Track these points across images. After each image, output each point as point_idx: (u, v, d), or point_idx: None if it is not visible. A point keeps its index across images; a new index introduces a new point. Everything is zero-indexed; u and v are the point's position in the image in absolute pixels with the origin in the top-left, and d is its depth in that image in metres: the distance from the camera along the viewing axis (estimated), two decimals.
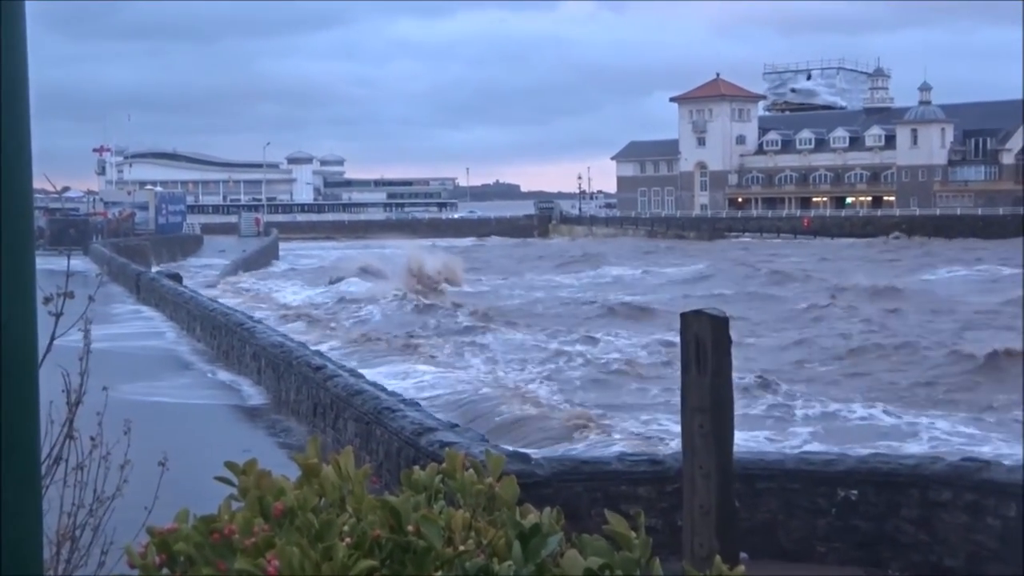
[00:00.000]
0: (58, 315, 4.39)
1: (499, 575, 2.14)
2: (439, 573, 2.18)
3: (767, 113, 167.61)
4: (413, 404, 16.39)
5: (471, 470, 2.54)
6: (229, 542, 2.18)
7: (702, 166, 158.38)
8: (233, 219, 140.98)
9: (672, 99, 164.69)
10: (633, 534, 2.20)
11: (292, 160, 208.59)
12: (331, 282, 65.14)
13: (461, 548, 2.24)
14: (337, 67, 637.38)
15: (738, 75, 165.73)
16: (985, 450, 20.53)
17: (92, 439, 4.94)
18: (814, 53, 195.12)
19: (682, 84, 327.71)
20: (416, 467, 2.59)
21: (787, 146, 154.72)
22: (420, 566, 2.20)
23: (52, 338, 4.16)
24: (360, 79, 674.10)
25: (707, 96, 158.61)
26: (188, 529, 2.23)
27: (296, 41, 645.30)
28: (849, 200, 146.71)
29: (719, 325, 8.51)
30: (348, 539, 2.21)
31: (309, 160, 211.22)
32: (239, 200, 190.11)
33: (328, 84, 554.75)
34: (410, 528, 2.23)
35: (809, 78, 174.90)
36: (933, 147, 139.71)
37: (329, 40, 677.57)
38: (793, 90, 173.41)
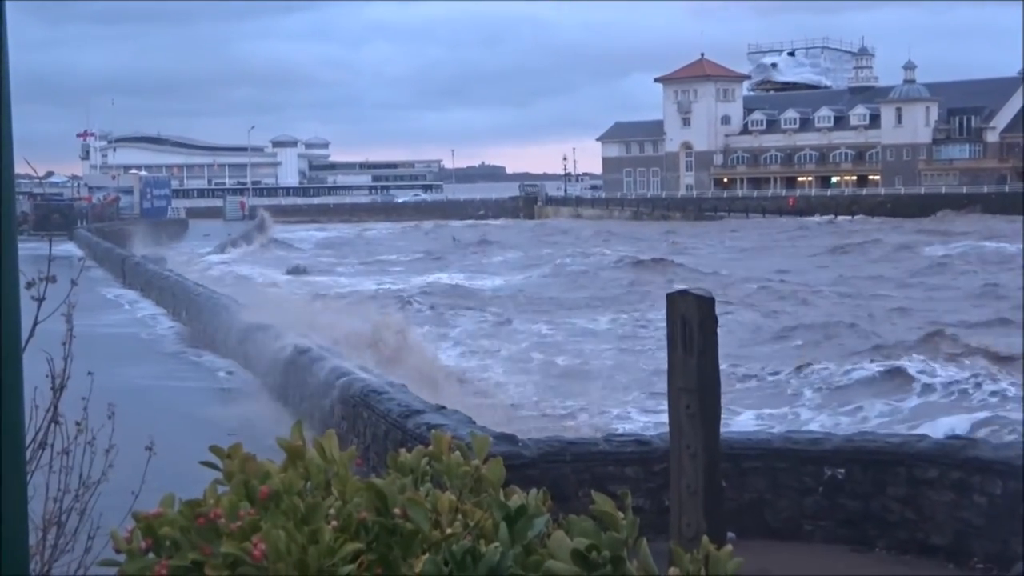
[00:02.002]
0: (40, 300, 4.38)
1: (486, 557, 2.14)
2: (426, 556, 2.17)
3: (751, 93, 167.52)
4: (400, 387, 16.39)
5: (457, 452, 2.53)
6: (215, 526, 2.17)
7: (687, 146, 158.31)
8: (218, 203, 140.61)
9: (657, 79, 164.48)
10: (620, 514, 2.20)
11: (277, 143, 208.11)
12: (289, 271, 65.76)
13: (448, 531, 2.24)
14: (313, 49, 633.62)
15: (717, 55, 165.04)
16: None
17: (77, 424, 4.92)
18: (793, 33, 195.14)
19: (659, 65, 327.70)
20: (402, 449, 2.59)
21: (772, 126, 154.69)
22: (407, 549, 2.20)
23: (35, 323, 4.14)
24: (337, 62, 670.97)
25: (692, 76, 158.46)
26: (174, 513, 2.22)
27: (271, 23, 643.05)
28: (834, 179, 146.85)
29: (705, 305, 8.51)
30: (334, 522, 2.20)
31: (294, 143, 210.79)
32: (224, 184, 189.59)
33: (305, 67, 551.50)
34: (396, 511, 2.23)
35: (792, 54, 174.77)
36: (918, 126, 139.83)
37: (304, 22, 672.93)
38: (773, 64, 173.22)
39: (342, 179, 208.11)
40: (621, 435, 13.77)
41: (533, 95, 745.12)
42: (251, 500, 2.23)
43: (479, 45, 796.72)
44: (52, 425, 4.67)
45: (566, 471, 12.00)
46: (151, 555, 2.20)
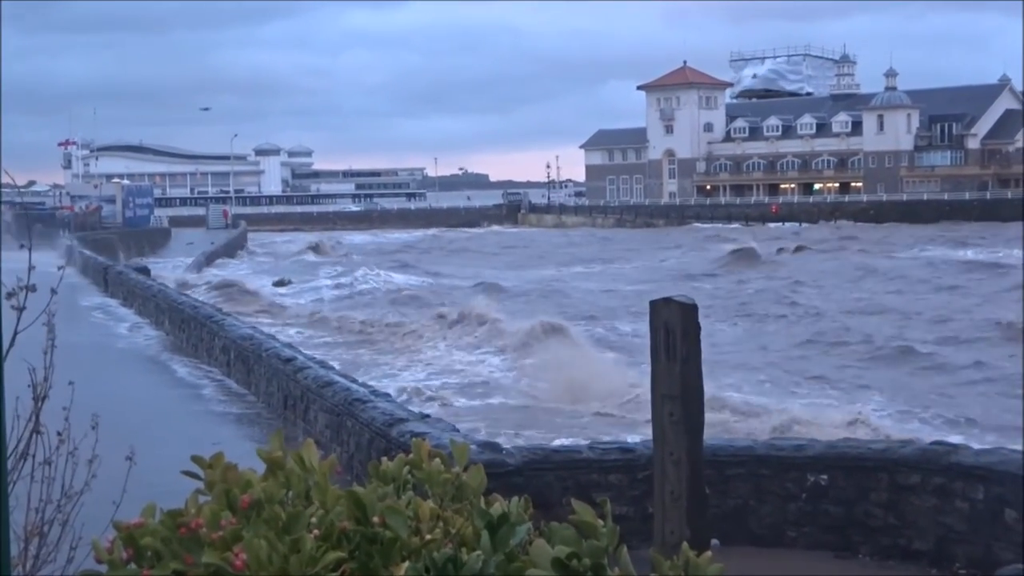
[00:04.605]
0: (21, 309, 4.36)
1: (468, 565, 2.14)
2: (406, 564, 2.17)
3: (734, 100, 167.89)
4: (384, 395, 16.38)
5: (438, 460, 2.54)
6: (196, 536, 2.17)
7: (670, 154, 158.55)
8: (201, 211, 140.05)
9: (639, 87, 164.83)
10: (600, 522, 2.21)
11: (260, 152, 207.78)
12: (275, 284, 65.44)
13: (428, 538, 2.24)
14: (291, 58, 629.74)
15: (699, 63, 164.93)
16: None
17: (59, 434, 4.90)
18: (774, 40, 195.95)
19: (638, 73, 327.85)
20: (384, 458, 2.59)
21: (754, 133, 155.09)
22: (387, 557, 2.20)
23: (15, 332, 4.13)
24: (315, 70, 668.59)
25: (674, 84, 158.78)
26: (155, 523, 2.22)
27: (248, 32, 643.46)
28: (817, 186, 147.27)
29: (688, 312, 8.53)
30: (316, 531, 2.20)
31: (277, 152, 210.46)
32: (207, 192, 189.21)
33: (284, 75, 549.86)
34: (375, 519, 2.23)
35: (774, 58, 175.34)
36: (899, 133, 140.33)
37: (282, 30, 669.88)
38: (754, 75, 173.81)
39: (325, 187, 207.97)
40: (605, 442, 13.77)
41: (515, 103, 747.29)
42: (233, 509, 2.23)
43: (457, 52, 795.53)
44: (34, 435, 4.65)
45: (550, 479, 12.00)
46: (132, 565, 2.20)
